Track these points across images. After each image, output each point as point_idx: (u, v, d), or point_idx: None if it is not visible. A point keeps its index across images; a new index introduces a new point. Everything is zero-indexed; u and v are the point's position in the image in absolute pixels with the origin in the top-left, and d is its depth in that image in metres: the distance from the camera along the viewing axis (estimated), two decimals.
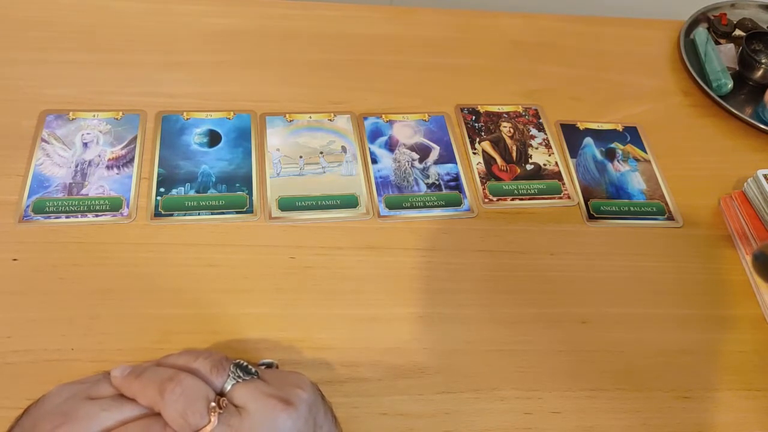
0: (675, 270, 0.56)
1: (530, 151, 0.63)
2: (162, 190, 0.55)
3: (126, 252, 0.51)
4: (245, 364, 0.38)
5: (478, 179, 0.60)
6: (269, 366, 0.44)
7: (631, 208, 0.60)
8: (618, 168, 0.63)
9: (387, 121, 0.63)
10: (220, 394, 0.36)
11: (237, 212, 0.54)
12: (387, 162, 0.60)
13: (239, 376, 0.37)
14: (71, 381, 0.37)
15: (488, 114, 0.65)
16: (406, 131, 0.63)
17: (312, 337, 0.48)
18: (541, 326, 0.51)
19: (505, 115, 0.66)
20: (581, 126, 0.66)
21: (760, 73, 0.72)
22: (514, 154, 0.63)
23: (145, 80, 0.62)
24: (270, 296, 0.50)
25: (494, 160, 0.62)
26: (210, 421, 0.34)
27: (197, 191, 0.55)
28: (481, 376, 0.48)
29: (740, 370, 0.51)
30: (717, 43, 0.76)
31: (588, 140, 0.65)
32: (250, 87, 0.64)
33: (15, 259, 0.50)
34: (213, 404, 0.35)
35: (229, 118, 0.61)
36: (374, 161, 0.60)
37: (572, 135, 0.65)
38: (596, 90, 0.70)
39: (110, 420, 0.34)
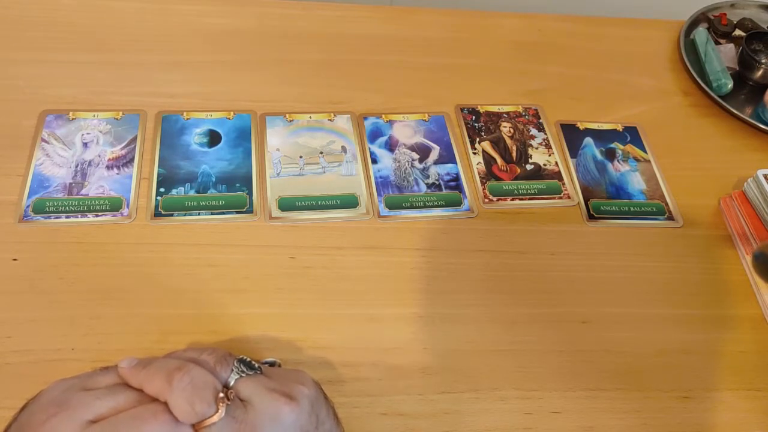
0: (675, 270, 0.56)
1: (530, 151, 0.63)
2: (162, 190, 0.55)
3: (126, 252, 0.51)
4: (249, 359, 0.39)
5: (478, 179, 0.60)
6: (272, 365, 0.44)
7: (631, 208, 0.60)
8: (618, 168, 0.63)
9: (387, 121, 0.63)
10: (224, 387, 0.37)
11: (237, 212, 0.54)
12: (387, 162, 0.60)
13: (243, 371, 0.38)
14: (68, 377, 0.38)
15: (488, 114, 0.65)
16: (406, 131, 0.63)
17: (312, 337, 0.48)
18: (541, 326, 0.51)
19: (505, 115, 0.66)
20: (581, 126, 0.66)
21: (760, 73, 0.72)
22: (514, 154, 0.63)
23: (145, 80, 0.62)
24: (270, 296, 0.50)
25: (494, 160, 0.62)
26: (217, 410, 0.34)
27: (197, 191, 0.55)
28: (481, 376, 0.48)
29: (740, 370, 0.51)
30: (717, 43, 0.76)
31: (588, 140, 0.65)
32: (250, 87, 0.64)
33: (15, 259, 0.50)
34: (221, 395, 0.35)
35: (229, 118, 0.61)
36: (374, 161, 0.60)
37: (572, 135, 0.65)
38: (596, 90, 0.70)
39: (103, 408, 0.34)
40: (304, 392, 0.38)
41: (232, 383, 0.37)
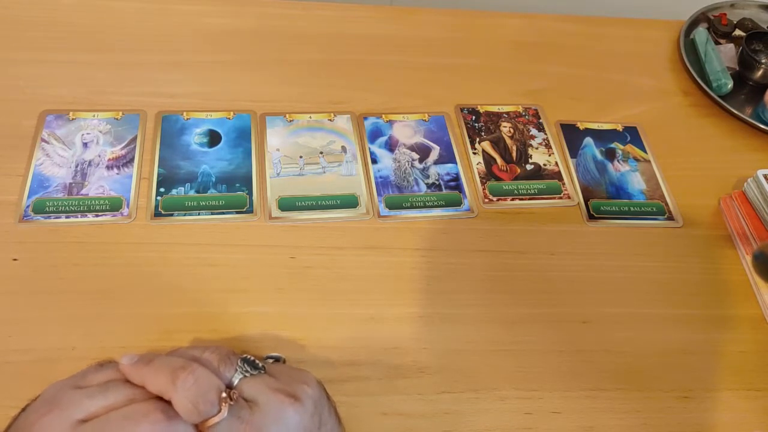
0: (675, 270, 0.56)
1: (530, 151, 0.63)
2: (162, 190, 0.55)
3: (126, 252, 0.51)
4: (252, 358, 0.39)
5: (478, 179, 0.60)
6: (276, 359, 0.44)
7: (631, 208, 0.60)
8: (618, 168, 0.63)
9: (387, 121, 0.63)
10: (228, 387, 0.37)
11: (237, 212, 0.54)
12: (387, 162, 0.60)
13: (246, 371, 0.38)
14: (67, 377, 0.38)
15: (488, 114, 0.65)
16: (406, 131, 0.63)
17: (312, 336, 0.48)
18: (541, 326, 0.51)
19: (505, 115, 0.66)
20: (581, 126, 0.66)
21: (760, 73, 0.72)
22: (514, 154, 0.63)
23: (145, 80, 0.62)
24: (270, 296, 0.50)
25: (494, 160, 0.62)
26: (220, 411, 0.34)
27: (197, 191, 0.55)
28: (481, 376, 0.48)
29: (740, 370, 0.51)
30: (717, 43, 0.76)
31: (588, 140, 0.65)
32: (250, 87, 0.64)
33: (15, 259, 0.50)
34: (224, 395, 0.35)
35: (229, 118, 0.61)
36: (374, 161, 0.60)
37: (572, 135, 0.65)
38: (596, 90, 0.70)
39: (94, 406, 0.34)
40: (307, 392, 0.38)
41: (236, 383, 0.37)
